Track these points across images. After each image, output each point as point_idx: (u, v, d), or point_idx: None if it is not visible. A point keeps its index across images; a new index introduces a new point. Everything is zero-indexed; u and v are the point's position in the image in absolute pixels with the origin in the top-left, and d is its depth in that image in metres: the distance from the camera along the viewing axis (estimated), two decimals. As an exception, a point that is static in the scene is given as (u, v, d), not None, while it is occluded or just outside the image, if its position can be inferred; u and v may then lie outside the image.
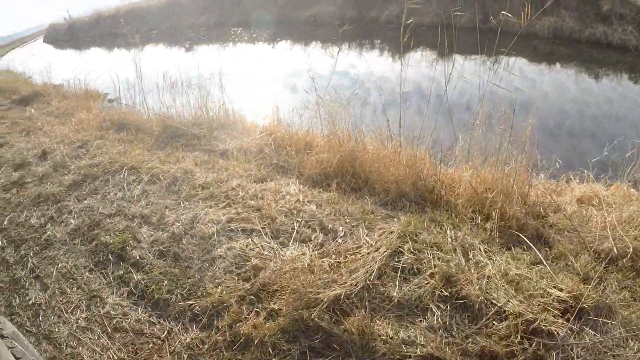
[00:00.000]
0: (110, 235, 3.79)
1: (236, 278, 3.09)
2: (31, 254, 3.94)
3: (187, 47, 19.67)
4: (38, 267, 3.76)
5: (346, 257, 3.14)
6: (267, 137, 5.15)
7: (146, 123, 6.31)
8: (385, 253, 3.03)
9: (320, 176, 4.32)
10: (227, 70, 9.00)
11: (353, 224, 3.50)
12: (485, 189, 3.70)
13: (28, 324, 3.27)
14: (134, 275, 3.30)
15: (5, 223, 4.65)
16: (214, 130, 5.67)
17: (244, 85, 9.67)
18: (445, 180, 3.96)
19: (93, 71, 11.72)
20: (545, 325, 2.41)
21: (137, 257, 3.45)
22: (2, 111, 10.82)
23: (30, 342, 3.09)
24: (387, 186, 3.99)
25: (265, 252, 3.23)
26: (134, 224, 3.84)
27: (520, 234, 3.22)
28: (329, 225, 3.49)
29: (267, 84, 10.37)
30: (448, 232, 3.23)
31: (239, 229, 3.51)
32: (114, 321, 3.05)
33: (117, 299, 3.21)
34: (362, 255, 3.11)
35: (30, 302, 3.45)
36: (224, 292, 2.96)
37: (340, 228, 3.45)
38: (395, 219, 3.55)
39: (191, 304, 2.98)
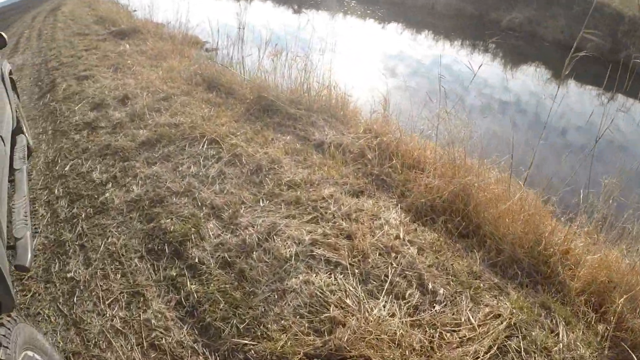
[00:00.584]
0: (171, 220, 3.27)
1: (307, 326, 2.45)
2: (83, 215, 3.54)
3: (295, 9, 19.22)
4: (86, 235, 3.34)
5: (442, 335, 2.42)
6: (371, 139, 4.44)
7: (239, 88, 5.80)
8: (489, 352, 2.31)
9: (426, 206, 3.57)
10: (330, 43, 8.37)
11: (457, 289, 2.76)
12: (607, 279, 2.90)
13: (61, 301, 2.82)
14: (188, 282, 2.76)
15: (66, 169, 4.31)
16: (312, 112, 5.03)
17: (348, 63, 8.99)
18: (563, 248, 3.15)
19: (196, 16, 11.48)
20: None
21: (196, 260, 2.90)
22: (97, 41, 10.82)
23: (59, 323, 2.68)
24: (500, 244, 3.20)
25: (348, 301, 2.56)
26: (201, 214, 3.30)
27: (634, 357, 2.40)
28: (429, 284, 2.75)
29: (373, 67, 9.61)
30: (560, 330, 2.51)
31: (323, 258, 2.85)
32: (153, 334, 2.52)
33: (163, 306, 2.68)
34: (460, 341, 2.39)
35: (68, 275, 3.02)
36: (289, 343, 2.33)
37: (442, 291, 2.71)
38: (504, 295, 2.78)
39: (246, 345, 2.38)
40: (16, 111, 4.46)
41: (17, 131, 4.41)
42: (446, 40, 13.65)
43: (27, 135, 4.86)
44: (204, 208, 3.32)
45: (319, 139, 4.52)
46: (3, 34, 3.72)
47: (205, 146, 4.15)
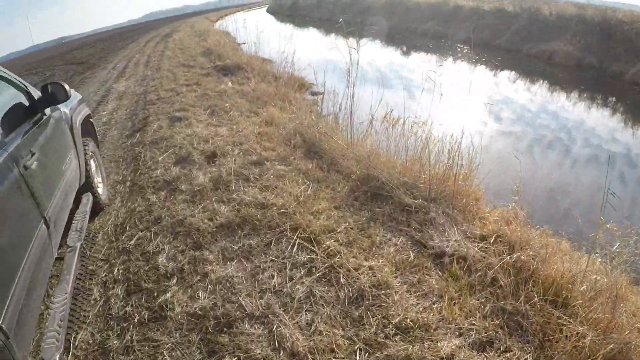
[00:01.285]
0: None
1: None
2: (136, 319, 2.87)
3: (403, 50, 18.70)
4: (134, 350, 2.65)
5: None
6: (503, 251, 3.46)
7: (344, 158, 5.06)
8: None
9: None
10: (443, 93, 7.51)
11: None
12: None
13: None
14: None
15: (132, 242, 3.75)
16: (430, 202, 4.14)
17: (463, 120, 8.04)
18: None
19: (303, 53, 11.16)
20: None
21: None
22: (200, 75, 10.74)
23: None
24: None
25: None
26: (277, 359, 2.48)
27: None
28: None
29: (492, 126, 8.54)
30: None
31: None
32: None
33: None
34: None
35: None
36: None
37: None
38: None
39: None
40: (87, 163, 4.03)
41: (84, 187, 3.96)
42: (562, 92, 12.27)
43: (100, 187, 4.44)
44: (281, 351, 2.51)
45: (439, 246, 3.58)
46: (65, 85, 3.25)
47: (295, 247, 3.38)
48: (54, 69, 19.70)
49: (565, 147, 7.87)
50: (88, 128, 4.47)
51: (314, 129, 5.57)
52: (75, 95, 4.09)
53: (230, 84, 9.93)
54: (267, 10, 48.16)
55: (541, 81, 13.39)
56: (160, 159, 5.41)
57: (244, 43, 15.79)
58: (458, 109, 9.02)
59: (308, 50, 10.62)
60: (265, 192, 4.20)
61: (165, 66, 12.77)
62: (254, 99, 8.36)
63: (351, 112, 5.71)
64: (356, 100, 5.84)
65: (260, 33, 13.06)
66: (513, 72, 14.57)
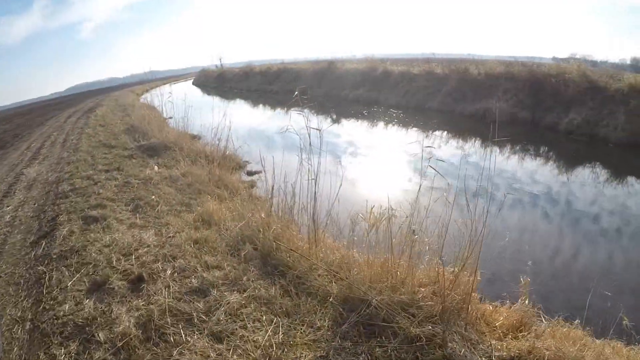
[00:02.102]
0: None
1: None
2: None
3: (333, 118, 18.35)
4: None
5: None
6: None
7: (312, 270, 4.04)
8: None
9: None
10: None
11: None
12: None
13: None
14: None
15: None
16: (439, 322, 3.17)
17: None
18: None
19: (235, 129, 10.26)
20: None
21: None
22: (123, 158, 9.50)
23: None
24: None
25: None
26: None
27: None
28: None
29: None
30: None
31: None
32: None
33: None
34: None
35: None
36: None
37: None
38: None
39: None
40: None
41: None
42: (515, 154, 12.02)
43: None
44: None
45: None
46: None
47: None
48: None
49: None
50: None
51: (267, 232, 4.51)
52: None
53: (156, 167, 8.76)
54: (193, 83, 47.51)
55: (474, 138, 13.18)
56: (69, 284, 4.13)
57: (171, 117, 14.68)
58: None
59: (239, 123, 9.75)
60: (218, 344, 3.06)
61: (84, 146, 11.36)
62: (184, 187, 7.24)
63: (315, 196, 4.68)
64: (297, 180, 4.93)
65: (188, 107, 12.11)
66: (446, 132, 14.29)
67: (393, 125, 16.19)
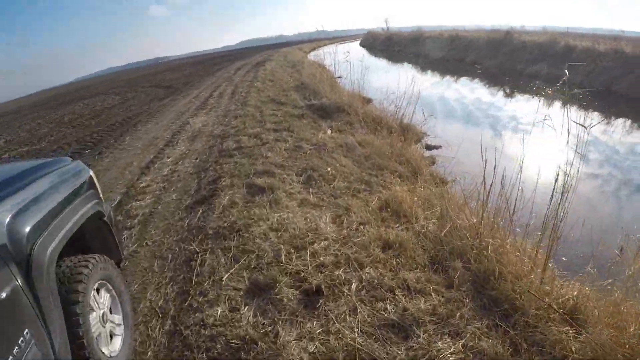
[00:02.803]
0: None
1: None
2: None
3: (507, 92, 15.96)
4: None
5: None
6: None
7: (540, 315, 2.59)
8: None
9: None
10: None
11: None
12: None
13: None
14: None
15: None
16: None
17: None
18: None
19: (407, 94, 8.88)
20: None
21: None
22: (292, 117, 8.64)
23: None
24: None
25: None
26: None
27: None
28: None
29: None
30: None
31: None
32: None
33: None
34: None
35: None
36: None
37: None
38: None
39: None
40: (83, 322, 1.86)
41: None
42: None
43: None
44: None
45: None
46: None
47: None
48: (137, 90, 18.66)
49: None
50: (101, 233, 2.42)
51: (483, 248, 3.10)
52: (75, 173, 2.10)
53: (329, 131, 7.73)
54: (361, 44, 46.65)
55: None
56: (225, 276, 3.17)
57: (340, 77, 13.68)
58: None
59: (409, 87, 8.24)
60: None
61: (252, 101, 10.85)
62: (362, 159, 6.05)
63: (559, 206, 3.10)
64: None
65: (364, 69, 10.83)
66: None
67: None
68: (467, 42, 26.85)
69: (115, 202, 5.01)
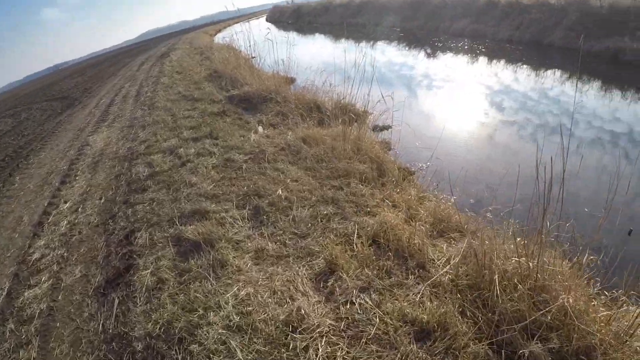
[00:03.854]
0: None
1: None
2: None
3: (428, 52, 15.06)
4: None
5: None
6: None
7: None
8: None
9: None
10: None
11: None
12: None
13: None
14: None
15: None
16: None
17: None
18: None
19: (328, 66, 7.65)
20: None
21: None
22: (213, 115, 7.07)
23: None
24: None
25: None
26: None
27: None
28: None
29: None
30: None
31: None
32: None
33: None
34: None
35: None
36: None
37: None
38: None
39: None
40: None
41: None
42: None
43: None
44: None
45: None
46: None
47: None
48: (32, 107, 16.00)
49: None
50: None
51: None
52: None
53: (261, 129, 6.23)
54: (267, 20, 44.40)
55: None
56: None
57: (254, 57, 11.93)
58: None
59: (335, 59, 6.98)
60: None
61: (160, 101, 9.02)
62: (316, 165, 4.64)
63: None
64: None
65: (290, 46, 9.19)
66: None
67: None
68: (380, 6, 25.67)
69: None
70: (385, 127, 6.84)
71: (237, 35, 13.30)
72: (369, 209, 3.62)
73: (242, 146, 5.30)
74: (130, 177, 5.02)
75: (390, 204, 3.78)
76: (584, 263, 2.29)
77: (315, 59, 7.97)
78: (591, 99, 7.80)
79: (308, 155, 4.88)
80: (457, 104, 8.50)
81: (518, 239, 2.42)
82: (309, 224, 3.38)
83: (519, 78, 10.39)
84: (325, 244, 3.03)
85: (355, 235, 3.13)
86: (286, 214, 3.56)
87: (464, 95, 9.08)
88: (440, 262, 2.70)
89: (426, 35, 18.65)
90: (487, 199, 4.05)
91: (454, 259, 2.65)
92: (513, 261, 2.37)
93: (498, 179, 4.70)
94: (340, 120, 5.94)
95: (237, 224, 3.48)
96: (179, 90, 9.97)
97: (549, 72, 10.82)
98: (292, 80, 10.00)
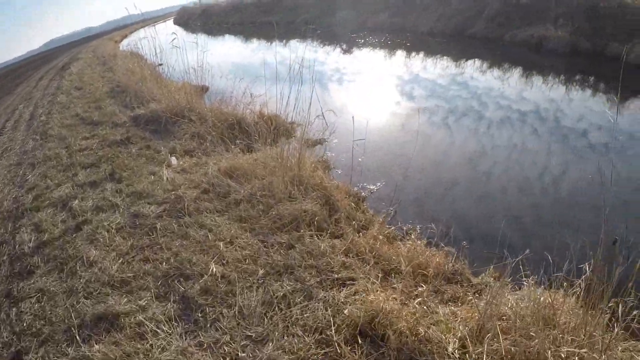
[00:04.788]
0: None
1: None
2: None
3: (344, 49, 14.42)
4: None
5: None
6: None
7: None
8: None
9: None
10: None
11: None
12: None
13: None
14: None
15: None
16: None
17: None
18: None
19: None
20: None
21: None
22: (115, 145, 5.80)
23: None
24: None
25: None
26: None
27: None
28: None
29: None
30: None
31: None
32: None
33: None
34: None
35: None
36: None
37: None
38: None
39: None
40: None
41: None
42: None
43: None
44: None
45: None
46: None
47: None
48: None
49: None
50: None
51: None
52: None
53: (174, 160, 5.06)
54: (175, 22, 41.81)
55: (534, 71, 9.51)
56: None
57: (161, 64, 10.46)
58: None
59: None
60: None
61: (54, 127, 7.46)
62: (249, 209, 3.62)
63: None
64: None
65: (202, 52, 7.84)
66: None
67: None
68: (295, 2, 24.40)
69: None
70: (319, 141, 5.91)
71: (142, 42, 11.69)
72: (335, 275, 2.67)
73: (154, 191, 4.12)
74: (14, 250, 3.68)
75: (357, 260, 2.86)
76: None
77: (227, 61, 6.99)
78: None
79: (239, 197, 3.81)
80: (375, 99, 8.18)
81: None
82: (263, 318, 2.35)
83: (427, 67, 10.00)
84: (296, 351, 2.05)
85: (333, 329, 2.18)
86: (228, 303, 2.50)
87: (380, 90, 8.96)
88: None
89: (344, 31, 17.86)
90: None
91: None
92: None
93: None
94: (269, 141, 4.92)
95: (163, 330, 2.36)
96: (77, 111, 8.41)
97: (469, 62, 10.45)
98: (205, 89, 8.72)
